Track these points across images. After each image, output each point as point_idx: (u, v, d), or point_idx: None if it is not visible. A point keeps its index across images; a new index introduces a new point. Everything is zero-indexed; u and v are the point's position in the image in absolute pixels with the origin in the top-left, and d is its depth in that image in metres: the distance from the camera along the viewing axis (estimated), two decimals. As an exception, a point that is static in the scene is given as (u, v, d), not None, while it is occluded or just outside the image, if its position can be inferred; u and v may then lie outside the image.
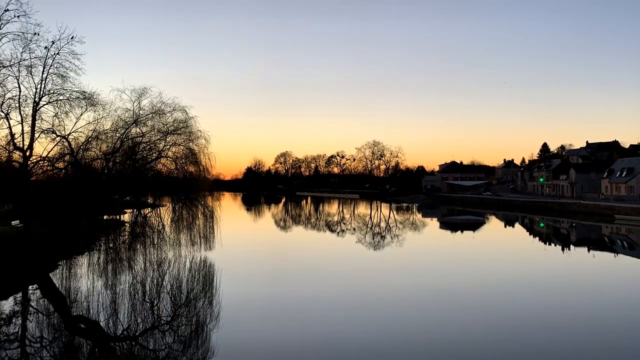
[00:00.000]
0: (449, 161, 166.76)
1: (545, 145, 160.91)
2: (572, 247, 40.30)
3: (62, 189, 34.47)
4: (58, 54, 33.84)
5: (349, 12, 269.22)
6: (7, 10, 30.28)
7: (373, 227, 56.64)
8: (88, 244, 34.18)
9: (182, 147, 38.05)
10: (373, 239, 44.94)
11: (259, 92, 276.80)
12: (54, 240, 29.59)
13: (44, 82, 33.90)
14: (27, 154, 33.93)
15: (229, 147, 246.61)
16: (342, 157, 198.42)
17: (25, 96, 33.90)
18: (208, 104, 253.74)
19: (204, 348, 14.07)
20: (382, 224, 61.45)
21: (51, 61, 33.68)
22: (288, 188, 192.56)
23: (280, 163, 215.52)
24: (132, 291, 21.03)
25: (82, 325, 16.63)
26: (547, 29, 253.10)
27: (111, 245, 36.44)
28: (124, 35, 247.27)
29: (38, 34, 32.29)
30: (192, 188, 36.77)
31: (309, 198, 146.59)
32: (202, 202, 37.27)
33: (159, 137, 38.75)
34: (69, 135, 36.40)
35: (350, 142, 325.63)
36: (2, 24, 30.64)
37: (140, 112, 38.83)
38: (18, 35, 31.65)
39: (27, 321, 16.97)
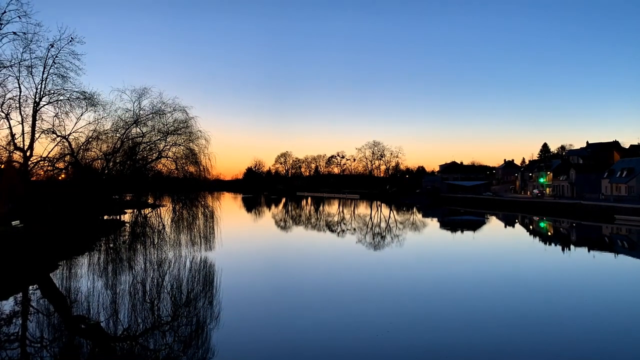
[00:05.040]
0: (449, 161, 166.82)
1: (545, 146, 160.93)
2: (572, 247, 40.29)
3: (62, 189, 34.51)
4: (58, 54, 33.92)
5: (349, 11, 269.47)
6: (6, 11, 30.34)
7: (373, 227, 56.63)
8: (88, 244, 34.17)
9: (182, 147, 38.16)
10: (373, 239, 44.93)
11: (259, 93, 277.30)
12: (54, 240, 29.57)
13: (44, 82, 34.02)
14: (28, 154, 33.99)
15: (229, 147, 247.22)
16: (342, 157, 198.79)
17: (26, 96, 34.01)
18: (208, 104, 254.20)
19: (204, 348, 14.06)
20: (383, 224, 61.44)
21: (51, 61, 33.80)
22: (288, 188, 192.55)
23: (281, 163, 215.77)
24: (132, 291, 21.02)
25: (82, 326, 16.61)
26: (547, 29, 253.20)
27: (111, 245, 36.43)
28: (124, 35, 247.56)
29: (38, 34, 32.35)
30: (192, 188, 36.86)
31: (309, 198, 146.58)
32: (202, 202, 37.34)
33: (159, 137, 38.85)
34: (69, 135, 36.48)
35: (350, 142, 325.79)
36: (2, 24, 30.69)
37: (141, 112, 38.96)
38: (19, 35, 31.70)
39: (27, 321, 16.96)
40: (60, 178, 36.81)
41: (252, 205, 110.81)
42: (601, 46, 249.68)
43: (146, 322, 16.77)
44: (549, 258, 33.73)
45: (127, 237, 40.23)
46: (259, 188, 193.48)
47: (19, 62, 32.73)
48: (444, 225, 64.47)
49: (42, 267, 25.37)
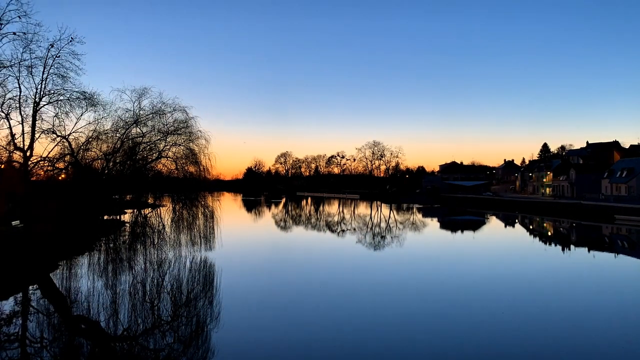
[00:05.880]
0: (449, 161, 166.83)
1: (545, 146, 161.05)
2: (572, 247, 40.29)
3: (62, 189, 34.50)
4: (58, 54, 33.85)
5: (349, 12, 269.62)
6: (6, 11, 30.30)
7: (373, 227, 56.62)
8: (88, 244, 34.16)
9: (182, 147, 38.12)
10: (373, 239, 44.91)
11: (259, 92, 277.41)
12: (54, 240, 29.56)
13: (44, 82, 33.95)
14: (28, 154, 33.93)
15: (229, 147, 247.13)
16: (342, 157, 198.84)
17: (26, 96, 33.94)
18: (208, 104, 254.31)
19: (204, 348, 14.06)
20: (382, 224, 61.42)
21: (51, 61, 33.72)
22: (288, 188, 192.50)
23: (281, 163, 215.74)
24: (132, 291, 21.03)
25: (83, 326, 16.62)
26: (547, 29, 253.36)
27: (111, 245, 36.43)
28: (124, 35, 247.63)
29: (38, 34, 32.32)
30: (192, 188, 36.82)
31: (309, 198, 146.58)
32: (202, 202, 37.30)
33: (159, 137, 38.82)
34: (69, 135, 36.46)
35: (350, 142, 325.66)
36: (2, 24, 30.65)
37: (141, 112, 38.94)
38: (19, 35, 31.67)
39: (27, 321, 16.97)
40: (60, 178, 36.78)
41: (252, 205, 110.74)
42: (601, 46, 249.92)
43: (146, 322, 16.77)
44: (549, 258, 33.72)
45: (127, 237, 40.23)
46: (259, 188, 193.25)
47: (19, 62, 32.68)
48: (444, 225, 64.47)
49: (42, 267, 25.37)
